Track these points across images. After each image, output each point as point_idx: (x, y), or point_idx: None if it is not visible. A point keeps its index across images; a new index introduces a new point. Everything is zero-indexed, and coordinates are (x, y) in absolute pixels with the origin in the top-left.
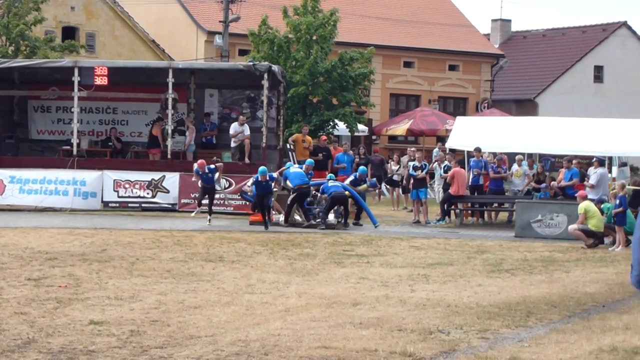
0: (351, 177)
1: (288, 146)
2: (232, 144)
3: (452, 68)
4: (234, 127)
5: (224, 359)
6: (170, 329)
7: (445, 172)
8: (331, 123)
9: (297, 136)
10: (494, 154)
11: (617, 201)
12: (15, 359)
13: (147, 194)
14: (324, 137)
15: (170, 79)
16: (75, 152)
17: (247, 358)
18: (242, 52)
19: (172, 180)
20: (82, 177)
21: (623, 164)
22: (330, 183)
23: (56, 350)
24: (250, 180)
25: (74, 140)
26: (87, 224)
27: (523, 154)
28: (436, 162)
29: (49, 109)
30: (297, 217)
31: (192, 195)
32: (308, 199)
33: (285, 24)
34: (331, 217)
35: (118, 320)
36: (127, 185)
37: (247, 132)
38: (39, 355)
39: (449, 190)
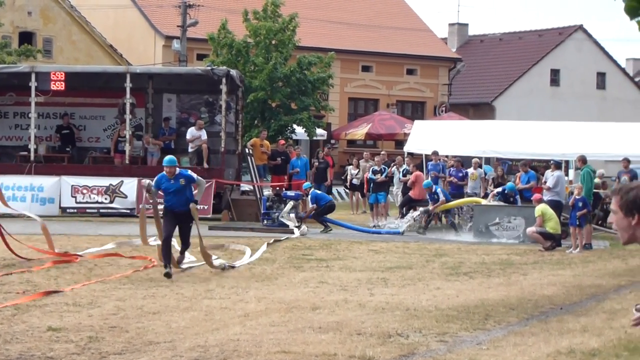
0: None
1: (247, 151)
2: (190, 149)
3: (410, 72)
4: (191, 132)
5: None
6: (128, 334)
7: (404, 175)
8: (290, 128)
9: (255, 141)
10: (454, 157)
11: (580, 203)
12: None
13: (105, 199)
14: (282, 142)
15: (128, 84)
16: (32, 158)
17: None
18: (200, 57)
19: (130, 185)
20: (39, 182)
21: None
22: (320, 192)
23: (14, 357)
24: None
25: (32, 146)
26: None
27: (480, 158)
28: (395, 166)
29: (6, 114)
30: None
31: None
32: (267, 204)
33: (245, 27)
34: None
35: (76, 327)
36: (85, 191)
37: (205, 136)
38: None
39: (409, 194)
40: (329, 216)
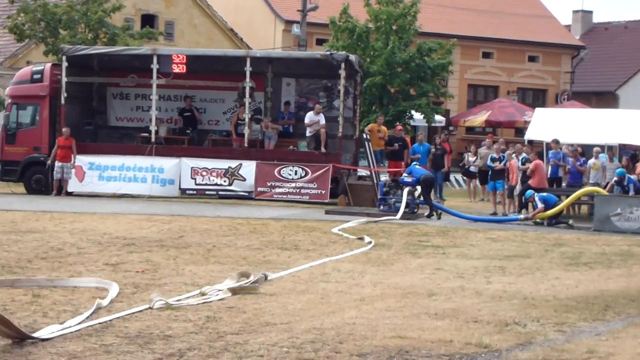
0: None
1: (364, 136)
2: (308, 134)
3: (532, 59)
4: (309, 117)
5: (299, 346)
6: (246, 315)
7: (523, 164)
8: (408, 113)
9: (372, 126)
10: (571, 146)
11: None
12: (93, 343)
13: (224, 181)
14: (400, 127)
15: (248, 68)
16: (153, 140)
17: (322, 346)
18: (320, 42)
19: (248, 168)
20: (160, 164)
21: None
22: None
23: (133, 335)
24: None
25: (153, 128)
26: (164, 210)
27: (602, 147)
28: (514, 154)
29: (128, 96)
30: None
31: (269, 184)
32: (384, 189)
33: (366, 12)
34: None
35: (195, 306)
36: (204, 173)
37: (323, 121)
38: (116, 339)
39: (529, 182)
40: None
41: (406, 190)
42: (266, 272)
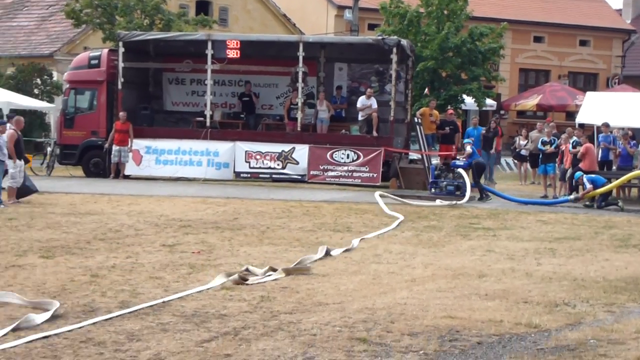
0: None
1: (415, 120)
2: (360, 117)
3: (583, 43)
4: (361, 101)
5: (351, 325)
6: (299, 295)
7: (574, 147)
8: (459, 97)
9: (424, 110)
10: (622, 129)
11: None
12: (150, 321)
13: (278, 165)
14: (451, 111)
15: (301, 53)
16: (208, 124)
17: (374, 325)
18: (371, 27)
19: (301, 152)
20: (215, 148)
21: None
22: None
23: (189, 314)
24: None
25: (207, 112)
26: (219, 193)
27: None
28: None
29: (183, 81)
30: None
31: (321, 167)
32: (435, 172)
33: None
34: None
35: (249, 286)
36: (258, 157)
37: (375, 105)
38: (173, 317)
39: (580, 166)
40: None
41: (463, 172)
42: (329, 247)
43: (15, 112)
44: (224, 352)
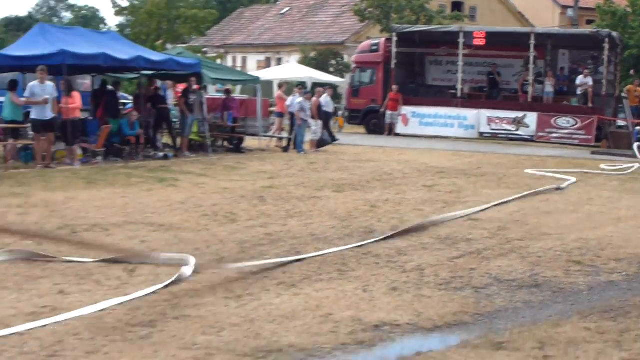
0: None
1: (622, 95)
2: (578, 92)
3: None
4: (580, 79)
5: (569, 251)
6: (528, 227)
7: None
8: None
9: (629, 87)
10: None
11: None
12: (414, 242)
13: (512, 128)
14: None
15: (532, 41)
16: (459, 95)
17: (587, 252)
18: (589, 22)
19: (531, 118)
20: (464, 114)
21: None
22: None
23: (443, 237)
24: None
25: (459, 86)
26: (467, 148)
27: None
28: None
29: (441, 62)
30: None
31: (547, 130)
32: (638, 136)
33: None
34: None
35: (490, 219)
36: (497, 121)
37: (590, 82)
38: (431, 239)
39: None
40: None
41: None
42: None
43: (316, 85)
44: (469, 267)
